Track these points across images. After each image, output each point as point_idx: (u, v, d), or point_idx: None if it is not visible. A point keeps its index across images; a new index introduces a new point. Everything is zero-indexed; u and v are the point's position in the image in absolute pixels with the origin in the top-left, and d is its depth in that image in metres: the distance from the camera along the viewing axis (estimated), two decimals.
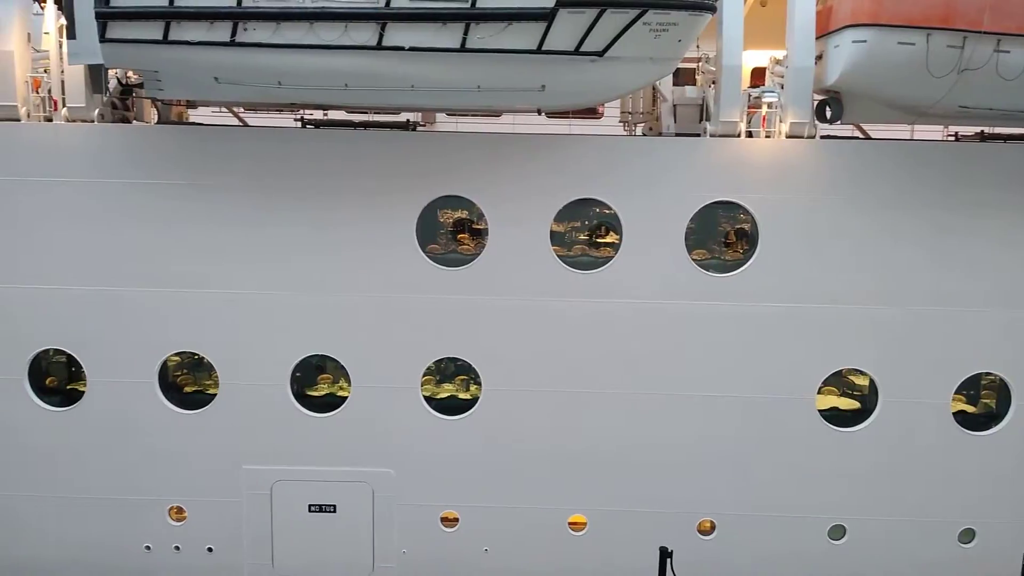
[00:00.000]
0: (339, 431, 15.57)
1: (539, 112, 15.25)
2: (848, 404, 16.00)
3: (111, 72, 15.56)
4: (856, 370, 15.74)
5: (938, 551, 15.91)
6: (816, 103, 15.14)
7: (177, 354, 15.72)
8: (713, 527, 15.94)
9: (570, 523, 15.99)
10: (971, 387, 15.83)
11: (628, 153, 15.13)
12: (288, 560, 16.00)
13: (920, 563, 15.96)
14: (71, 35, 13.35)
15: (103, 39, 12.83)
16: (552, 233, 15.08)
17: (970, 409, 15.96)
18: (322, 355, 15.63)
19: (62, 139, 14.84)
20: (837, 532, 15.92)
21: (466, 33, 12.69)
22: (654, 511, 15.71)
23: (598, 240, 15.79)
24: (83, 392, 15.50)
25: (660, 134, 16.51)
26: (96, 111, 14.98)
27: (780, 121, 14.96)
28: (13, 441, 15.53)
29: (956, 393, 15.54)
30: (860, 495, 15.72)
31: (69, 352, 15.44)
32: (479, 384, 15.58)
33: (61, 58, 14.68)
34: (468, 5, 12.52)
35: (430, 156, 14.97)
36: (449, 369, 16.09)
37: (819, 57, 14.68)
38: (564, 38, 12.84)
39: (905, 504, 15.74)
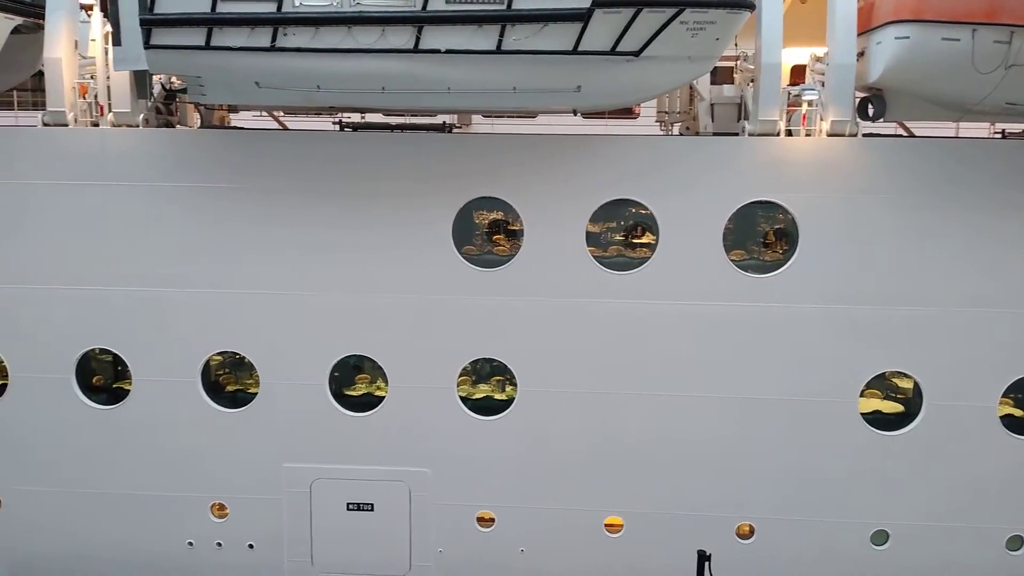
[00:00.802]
0: (376, 431, 15.71)
1: (575, 113, 15.22)
2: (891, 407, 15.69)
3: (155, 78, 15.92)
4: (900, 373, 15.42)
5: (985, 558, 15.50)
6: (858, 101, 14.87)
7: (219, 353, 16.00)
8: (752, 531, 15.75)
9: (606, 525, 15.92)
10: (1019, 391, 15.39)
11: (665, 153, 15.02)
12: (327, 558, 16.19)
13: (966, 570, 15.58)
14: (116, 42, 13.68)
15: (147, 45, 13.09)
16: (588, 234, 15.03)
17: (1018, 413, 15.55)
18: (360, 355, 15.78)
19: (108, 143, 15.21)
20: (880, 537, 15.62)
21: (502, 35, 12.69)
22: (692, 514, 15.58)
23: (634, 241, 15.71)
24: (128, 391, 15.87)
25: (697, 134, 16.36)
26: (141, 116, 15.33)
27: (821, 119, 14.72)
28: (61, 438, 15.95)
29: (1003, 396, 15.13)
30: (904, 500, 15.40)
31: (115, 351, 15.82)
32: (515, 385, 15.60)
33: (107, 64, 15.06)
34: (504, 7, 12.52)
35: (466, 158, 15.03)
36: (485, 370, 16.15)
37: (861, 54, 14.42)
38: (600, 38, 12.78)
39: (950, 509, 15.38)
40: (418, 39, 12.78)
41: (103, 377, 16.50)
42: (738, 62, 16.46)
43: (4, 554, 16.45)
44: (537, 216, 15.00)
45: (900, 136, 16.17)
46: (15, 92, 18.29)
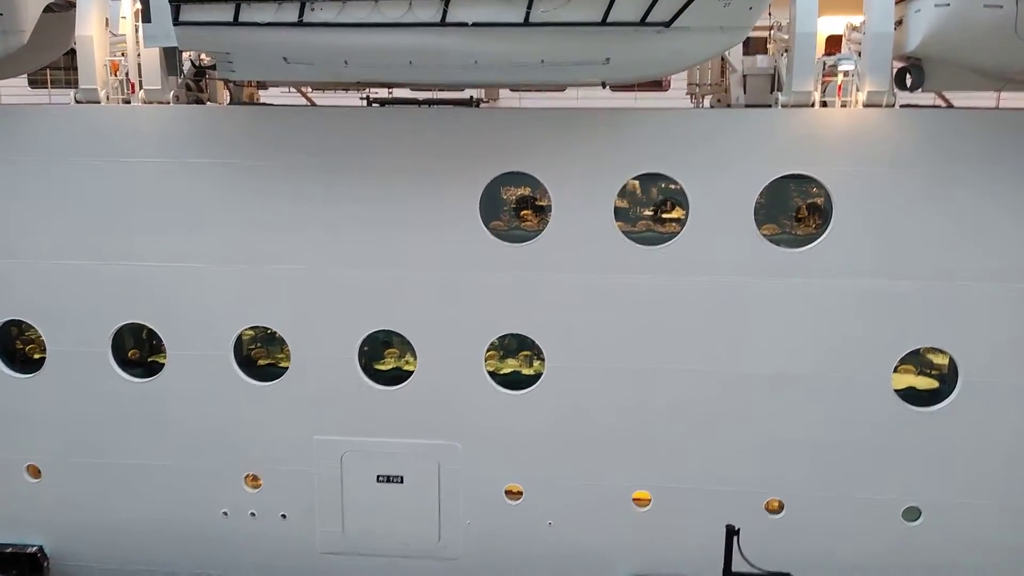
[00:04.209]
0: (405, 404, 15.85)
1: (603, 86, 15.00)
2: (926, 383, 15.47)
3: (185, 55, 16.00)
4: (935, 349, 15.16)
5: (1019, 536, 15.30)
6: (895, 70, 14.50)
7: (251, 328, 16.19)
8: (782, 506, 15.70)
9: (634, 499, 15.96)
10: None
11: (695, 126, 14.79)
12: (358, 527, 16.46)
13: (1000, 548, 15.41)
14: (146, 19, 13.76)
15: (177, 22, 13.15)
16: (616, 209, 14.90)
17: None
18: (389, 330, 15.87)
19: (140, 120, 15.36)
20: (912, 514, 15.49)
21: (529, 7, 12.52)
22: (721, 489, 15.55)
23: (663, 215, 15.54)
24: (163, 364, 16.15)
25: (729, 106, 16.08)
26: (171, 93, 15.46)
27: (857, 90, 14.40)
28: (97, 411, 16.31)
29: None
30: (937, 477, 15.24)
31: (149, 326, 16.06)
32: (542, 360, 15.60)
33: (138, 42, 15.15)
34: None
35: (493, 133, 14.94)
36: (512, 345, 16.17)
37: (898, 22, 14.03)
38: (629, 9, 12.56)
39: (985, 486, 15.19)
40: (445, 12, 12.66)
41: (138, 351, 16.80)
42: (772, 32, 16.14)
43: (42, 524, 16.95)
44: (565, 191, 14.89)
45: (939, 107, 15.74)
46: (48, 70, 18.49)
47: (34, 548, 16.93)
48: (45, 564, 17.00)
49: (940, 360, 15.34)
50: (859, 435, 15.19)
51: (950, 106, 15.77)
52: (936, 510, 15.37)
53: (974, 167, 14.17)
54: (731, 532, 13.95)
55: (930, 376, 15.55)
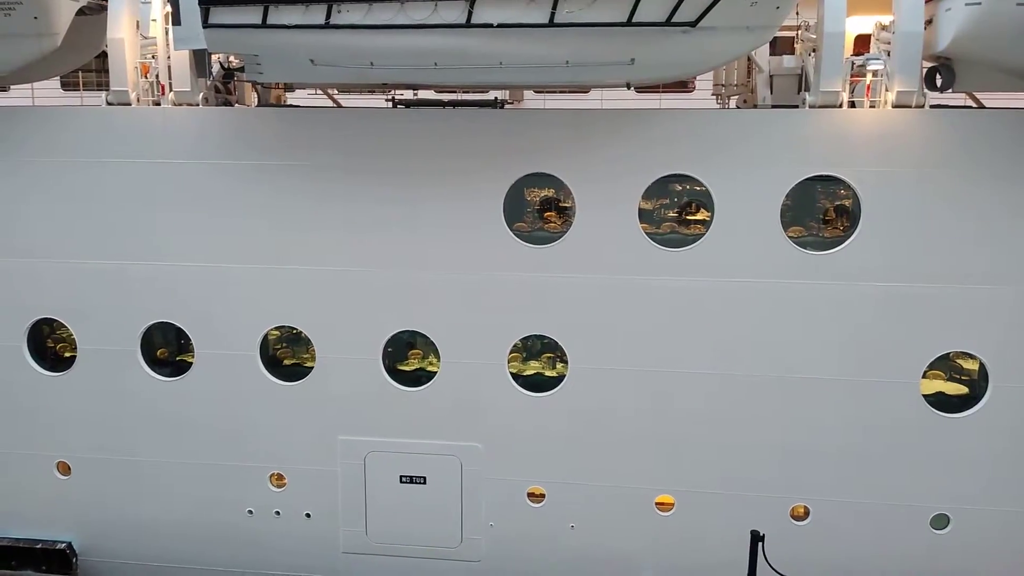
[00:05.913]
0: (429, 405, 15.89)
1: (628, 87, 14.95)
2: (955, 389, 15.23)
3: (214, 57, 16.20)
4: (965, 353, 14.91)
5: None
6: (925, 70, 14.31)
7: (277, 328, 16.33)
8: (807, 512, 15.52)
9: (657, 503, 15.86)
10: None
11: (721, 127, 14.68)
12: (381, 529, 16.51)
13: None
14: (176, 22, 13.93)
15: (206, 25, 13.32)
16: (640, 210, 14.84)
17: None
18: (412, 331, 15.93)
19: (169, 122, 15.57)
20: (940, 521, 15.23)
21: (554, 7, 12.54)
22: (745, 494, 15.41)
23: (688, 217, 15.46)
24: (191, 364, 16.33)
25: (756, 106, 15.97)
26: (200, 95, 15.64)
27: (886, 90, 14.22)
28: (126, 409, 16.52)
29: None
30: (966, 484, 14.97)
31: (178, 325, 16.24)
32: (565, 362, 15.57)
33: (168, 44, 15.37)
34: None
35: (518, 134, 14.94)
36: (536, 346, 16.15)
37: (929, 21, 13.84)
38: (655, 9, 12.52)
39: (1015, 494, 14.90)
40: (470, 13, 12.71)
41: (167, 350, 17.01)
42: (799, 31, 16.00)
43: (71, 520, 17.21)
44: (589, 192, 14.86)
45: (969, 107, 15.51)
46: (80, 73, 18.83)
47: (63, 544, 17.16)
48: (74, 560, 17.24)
49: (970, 365, 15.10)
50: (887, 441, 14.97)
51: (981, 106, 15.53)
52: (965, 518, 15.10)
53: (1005, 168, 13.93)
54: (756, 538, 13.82)
55: (960, 382, 15.30)
